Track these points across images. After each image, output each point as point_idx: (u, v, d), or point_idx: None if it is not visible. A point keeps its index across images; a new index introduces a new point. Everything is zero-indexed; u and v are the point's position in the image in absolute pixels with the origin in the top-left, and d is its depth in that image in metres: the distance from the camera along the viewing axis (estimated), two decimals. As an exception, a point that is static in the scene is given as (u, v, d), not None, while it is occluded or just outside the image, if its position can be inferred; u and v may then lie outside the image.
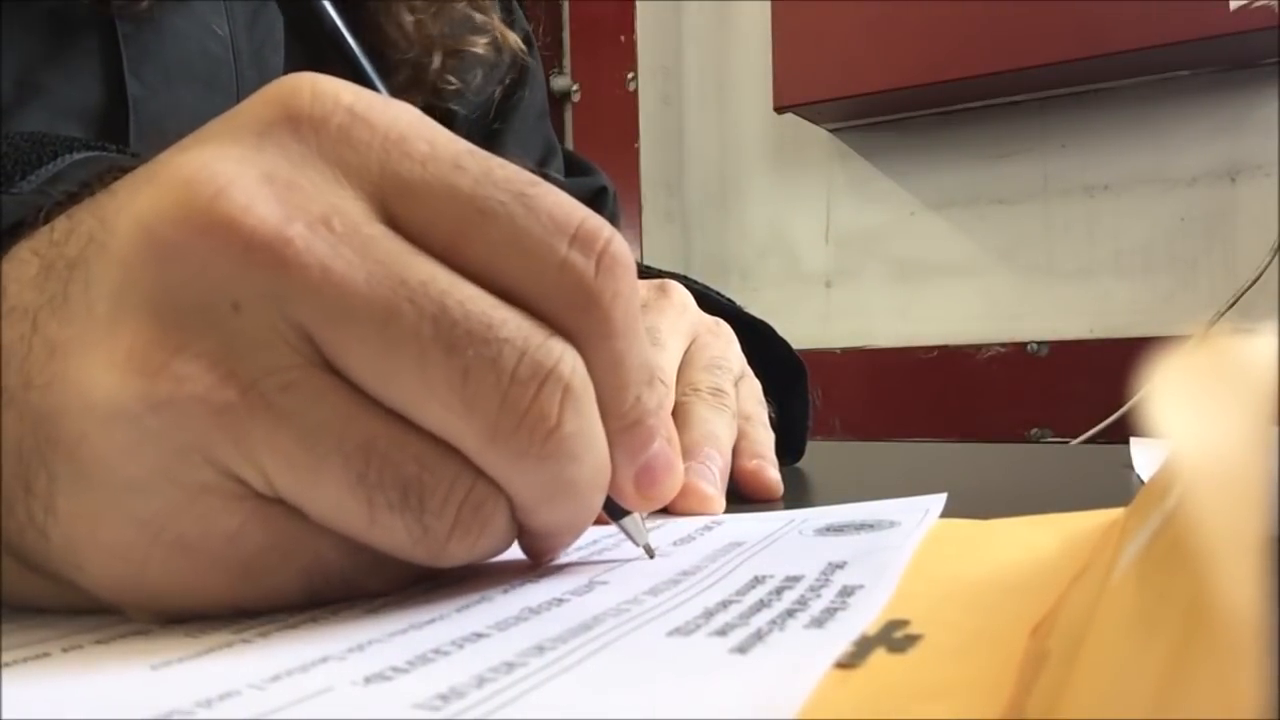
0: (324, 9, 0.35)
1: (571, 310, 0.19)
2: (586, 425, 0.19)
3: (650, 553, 0.23)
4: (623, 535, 0.23)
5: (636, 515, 0.23)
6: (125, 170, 0.20)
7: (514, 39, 0.54)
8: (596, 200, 0.64)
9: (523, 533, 0.20)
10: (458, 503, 0.18)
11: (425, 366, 0.17)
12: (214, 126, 0.19)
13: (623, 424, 0.20)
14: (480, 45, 0.51)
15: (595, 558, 0.23)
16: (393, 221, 0.18)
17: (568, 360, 0.18)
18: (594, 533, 0.27)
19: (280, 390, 0.17)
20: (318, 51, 0.36)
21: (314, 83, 0.19)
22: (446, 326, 0.17)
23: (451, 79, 0.50)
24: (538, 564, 0.22)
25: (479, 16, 0.51)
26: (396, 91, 0.46)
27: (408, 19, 0.47)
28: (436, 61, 0.48)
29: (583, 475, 0.19)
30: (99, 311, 0.17)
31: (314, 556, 0.18)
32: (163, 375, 0.17)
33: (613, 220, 0.64)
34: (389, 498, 0.17)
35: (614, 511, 0.22)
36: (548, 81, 1.78)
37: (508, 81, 0.58)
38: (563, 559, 0.23)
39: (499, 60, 0.55)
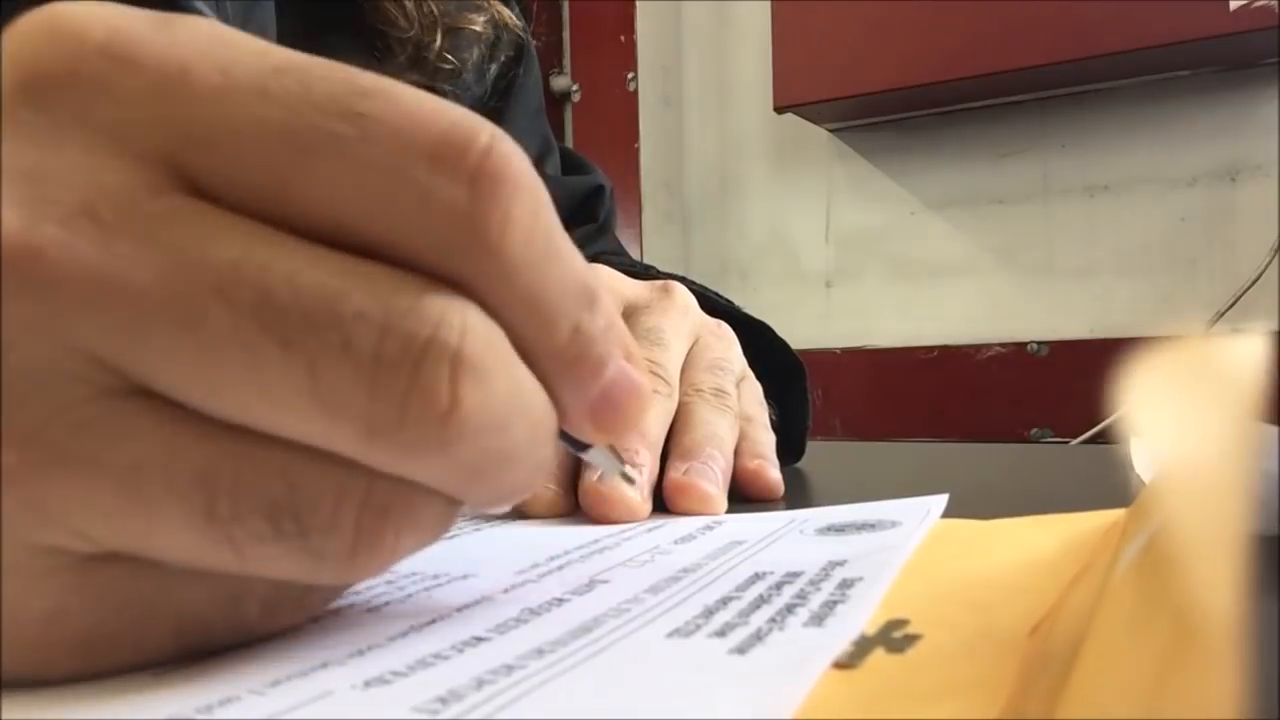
0: None
1: (451, 251, 0.15)
2: (498, 390, 0.15)
3: (629, 478, 0.20)
4: (624, 533, 0.23)
5: (600, 446, 0.20)
6: None
7: (510, 16, 0.54)
8: (593, 198, 0.64)
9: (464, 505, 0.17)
10: (354, 513, 0.14)
11: (258, 370, 0.14)
12: None
13: (563, 360, 0.16)
14: (478, 23, 0.51)
15: (594, 558, 0.23)
16: (193, 183, 0.14)
17: (452, 320, 0.14)
18: (594, 532, 0.27)
19: (72, 433, 0.14)
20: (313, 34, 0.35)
21: (52, 23, 0.14)
22: (274, 315, 0.13)
23: (450, 58, 0.50)
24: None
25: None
26: (396, 72, 0.46)
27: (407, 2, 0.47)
28: (438, 40, 0.48)
29: (512, 442, 0.15)
30: None
31: (181, 610, 0.15)
32: None
33: (609, 219, 0.64)
34: (254, 530, 0.14)
35: (576, 445, 0.19)
36: (547, 81, 1.79)
37: (504, 59, 0.58)
38: (562, 562, 0.23)
39: (497, 38, 0.55)
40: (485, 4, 0.51)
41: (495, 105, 0.58)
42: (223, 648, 0.16)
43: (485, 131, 0.15)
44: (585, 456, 0.20)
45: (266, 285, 0.14)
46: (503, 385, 0.15)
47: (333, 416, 0.14)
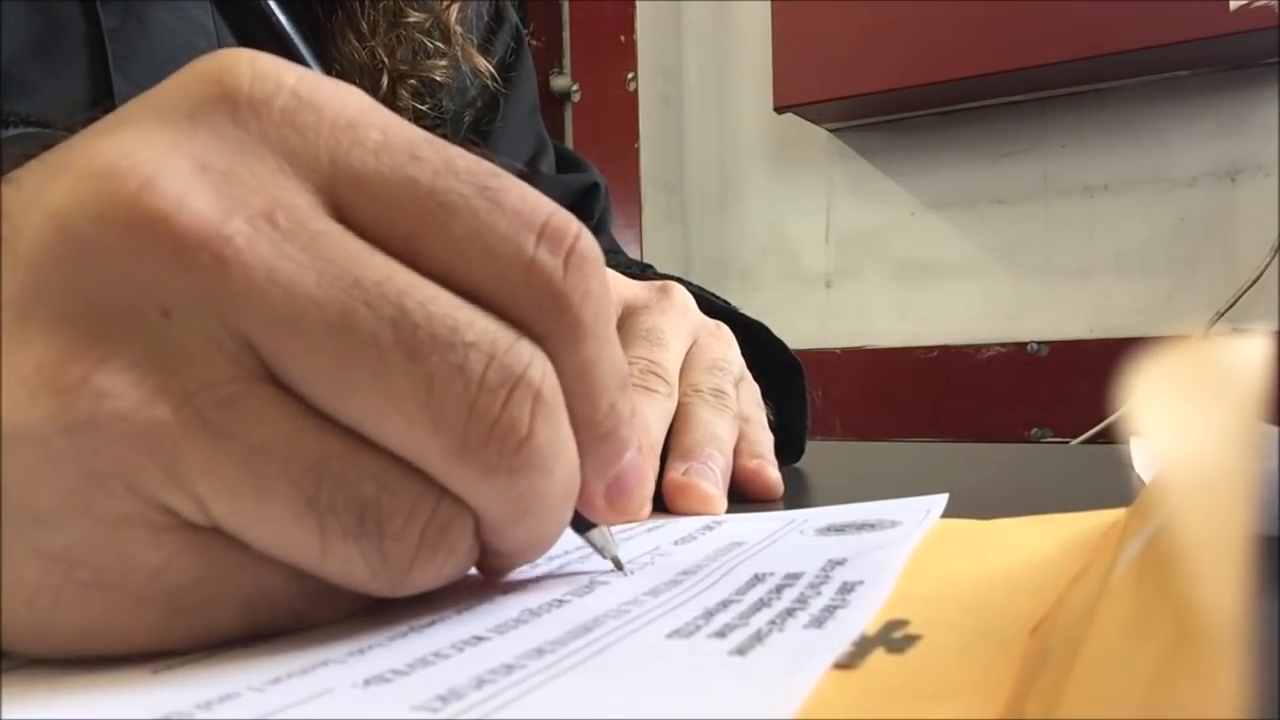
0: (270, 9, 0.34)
1: (540, 312, 0.17)
2: (558, 434, 0.17)
3: (619, 565, 0.21)
4: (624, 533, 0.23)
5: (604, 527, 0.21)
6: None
7: (482, 63, 0.54)
8: (588, 196, 0.64)
9: (484, 551, 0.18)
10: (421, 525, 0.16)
11: (385, 376, 0.16)
12: (135, 107, 0.17)
13: (596, 434, 0.19)
14: (438, 71, 0.51)
15: (594, 558, 0.23)
16: (343, 216, 0.17)
17: (538, 365, 0.17)
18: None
19: (218, 406, 0.15)
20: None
21: (254, 60, 0.17)
22: (408, 330, 0.16)
23: (416, 105, 0.50)
24: (494, 580, 0.20)
25: (434, 44, 0.51)
26: None
27: (357, 46, 0.47)
28: (384, 86, 0.48)
29: (554, 488, 0.17)
30: (3, 320, 0.15)
31: (256, 589, 0.16)
32: (79, 391, 0.15)
33: (604, 216, 0.65)
34: (343, 523, 0.16)
35: (580, 525, 0.21)
36: (547, 81, 1.79)
37: (479, 105, 0.58)
38: (562, 562, 0.23)
39: (463, 84, 0.55)
40: (447, 51, 0.51)
41: (488, 103, 0.59)
42: (274, 632, 0.17)
43: (577, 223, 0.18)
44: (586, 537, 0.21)
45: (405, 305, 0.16)
46: (560, 431, 0.17)
47: (436, 426, 0.16)
